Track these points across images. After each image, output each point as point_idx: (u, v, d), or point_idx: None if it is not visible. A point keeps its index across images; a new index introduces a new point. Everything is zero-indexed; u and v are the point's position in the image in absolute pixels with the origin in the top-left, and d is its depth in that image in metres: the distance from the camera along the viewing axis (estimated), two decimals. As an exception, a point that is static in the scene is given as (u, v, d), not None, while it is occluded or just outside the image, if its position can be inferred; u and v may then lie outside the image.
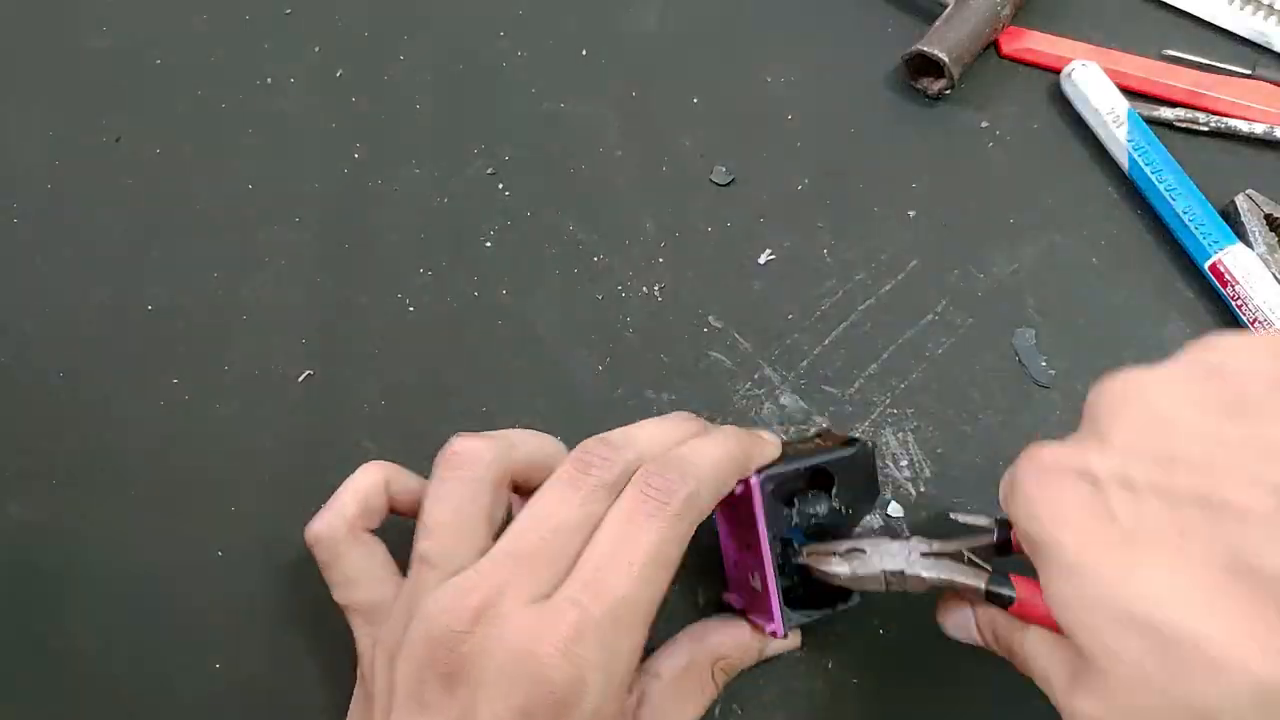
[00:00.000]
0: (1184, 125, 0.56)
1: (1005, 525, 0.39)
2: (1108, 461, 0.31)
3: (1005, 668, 0.37)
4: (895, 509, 0.47)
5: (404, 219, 0.55)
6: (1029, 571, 0.34)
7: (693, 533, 0.37)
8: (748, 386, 0.50)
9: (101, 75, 0.60)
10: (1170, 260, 0.53)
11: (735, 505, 0.41)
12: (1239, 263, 0.50)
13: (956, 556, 0.38)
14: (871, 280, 0.53)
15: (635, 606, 0.35)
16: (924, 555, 0.38)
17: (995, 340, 0.51)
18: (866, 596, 0.41)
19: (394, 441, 0.50)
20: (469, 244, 0.54)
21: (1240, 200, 0.52)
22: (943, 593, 0.39)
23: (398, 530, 0.40)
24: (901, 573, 0.38)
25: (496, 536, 0.37)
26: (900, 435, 0.49)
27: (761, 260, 0.53)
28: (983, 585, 0.37)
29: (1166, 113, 0.56)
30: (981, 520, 0.39)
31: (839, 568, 0.39)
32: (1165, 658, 0.27)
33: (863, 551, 0.39)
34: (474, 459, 0.38)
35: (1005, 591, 0.36)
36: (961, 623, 0.39)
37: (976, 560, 0.38)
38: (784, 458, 0.41)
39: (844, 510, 0.42)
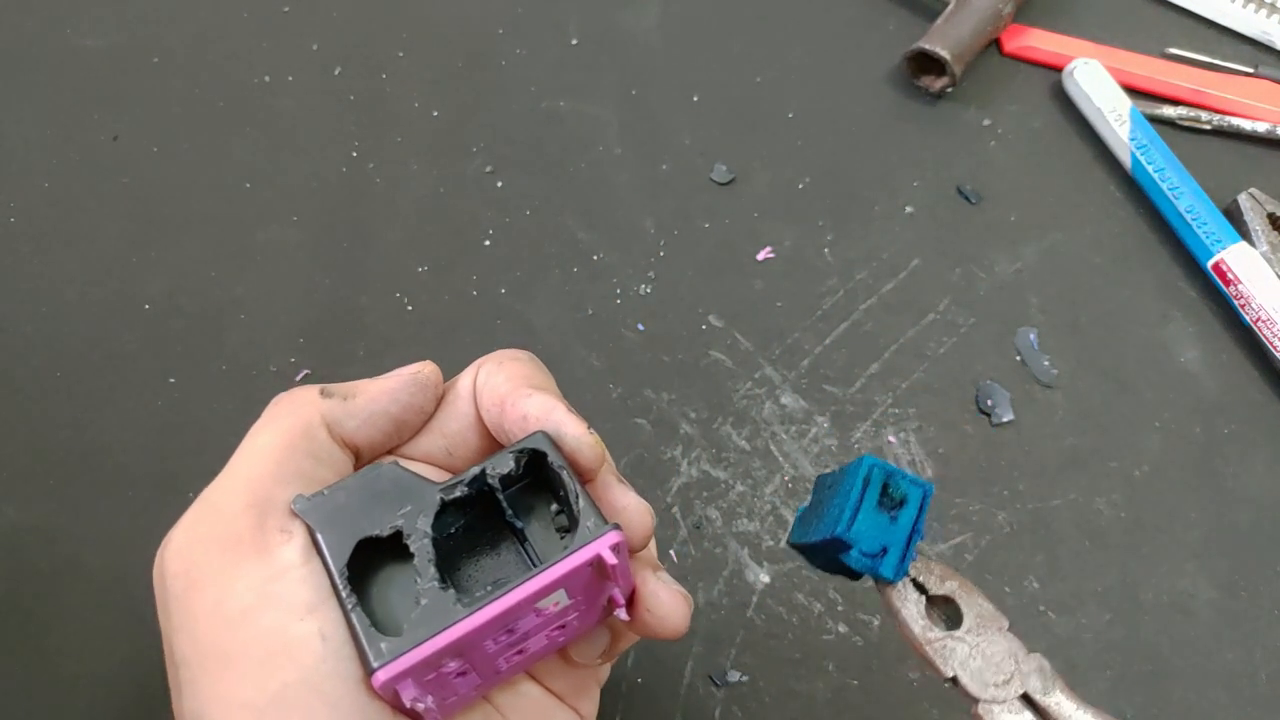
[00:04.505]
0: (1187, 124, 0.56)
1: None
2: None
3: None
4: (896, 509, 0.47)
5: (402, 217, 0.55)
6: None
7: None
8: (748, 386, 0.50)
9: (99, 74, 0.59)
10: (1173, 259, 0.53)
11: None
12: (1241, 261, 0.50)
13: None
14: (872, 279, 0.52)
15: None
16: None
17: (997, 339, 0.51)
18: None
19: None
20: (468, 242, 0.54)
21: (1243, 199, 0.52)
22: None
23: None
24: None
25: None
26: (902, 435, 0.48)
27: (761, 258, 0.53)
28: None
29: (1169, 111, 0.56)
30: None
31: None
32: None
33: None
34: None
35: None
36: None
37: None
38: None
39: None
